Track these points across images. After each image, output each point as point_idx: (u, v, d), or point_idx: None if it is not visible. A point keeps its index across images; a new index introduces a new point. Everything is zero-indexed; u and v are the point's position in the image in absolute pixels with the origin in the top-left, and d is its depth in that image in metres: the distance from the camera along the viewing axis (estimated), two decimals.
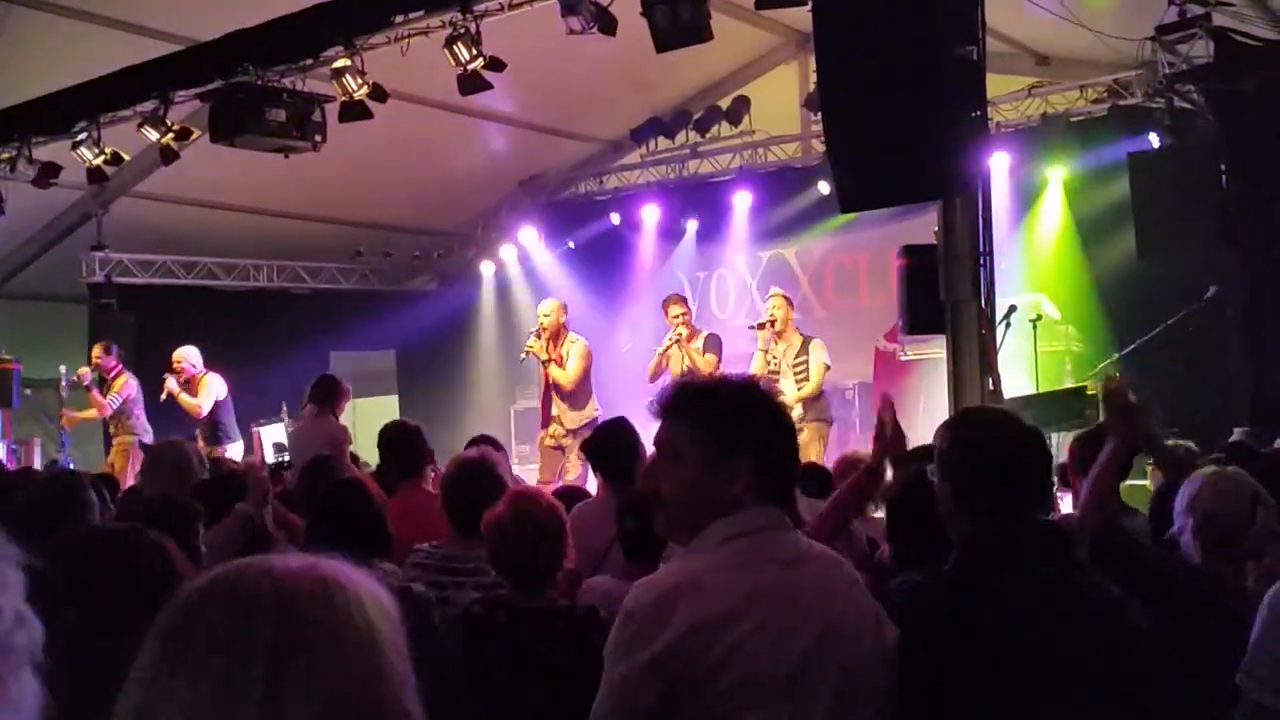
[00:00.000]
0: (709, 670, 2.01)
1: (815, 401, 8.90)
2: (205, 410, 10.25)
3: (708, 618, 2.03)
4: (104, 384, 10.63)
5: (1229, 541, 3.13)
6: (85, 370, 10.58)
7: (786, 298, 9.37)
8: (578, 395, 9.21)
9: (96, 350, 10.75)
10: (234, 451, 10.18)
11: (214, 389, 10.34)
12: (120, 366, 10.72)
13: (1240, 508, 3.14)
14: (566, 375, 9.13)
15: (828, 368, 9.04)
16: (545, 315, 9.24)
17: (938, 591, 2.10)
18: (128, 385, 10.64)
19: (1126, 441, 3.23)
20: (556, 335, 9.19)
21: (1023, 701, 2.21)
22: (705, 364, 9.17)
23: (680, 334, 9.34)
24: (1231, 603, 3.04)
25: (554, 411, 9.32)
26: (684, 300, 9.86)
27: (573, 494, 5.25)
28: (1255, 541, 3.14)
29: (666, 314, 9.58)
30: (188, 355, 10.46)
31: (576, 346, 9.20)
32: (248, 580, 1.15)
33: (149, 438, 10.47)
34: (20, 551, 1.09)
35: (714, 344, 9.46)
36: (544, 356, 9.16)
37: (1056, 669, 2.27)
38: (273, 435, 11.17)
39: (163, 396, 10.41)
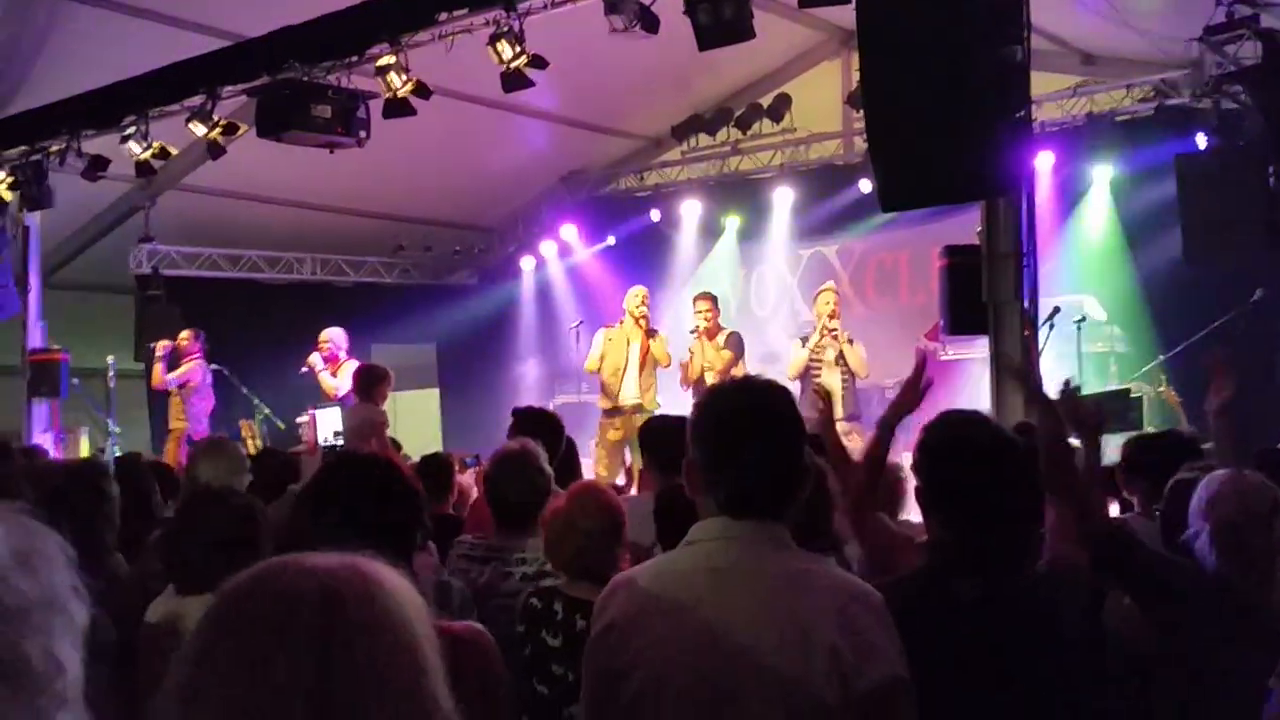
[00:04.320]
0: (624, 667, 2.08)
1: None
2: (342, 393, 10.22)
3: (621, 617, 2.12)
4: (177, 364, 11.04)
5: (1248, 547, 3.00)
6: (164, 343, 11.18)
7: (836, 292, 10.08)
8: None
9: (184, 333, 11.19)
10: None
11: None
12: (197, 354, 11.07)
13: (1261, 513, 3.02)
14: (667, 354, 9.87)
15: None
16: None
17: (886, 591, 2.15)
18: (192, 372, 10.93)
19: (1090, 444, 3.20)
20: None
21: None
22: (720, 359, 9.64)
23: (699, 326, 9.83)
24: (1246, 609, 2.95)
25: (629, 399, 9.59)
26: (709, 298, 10.25)
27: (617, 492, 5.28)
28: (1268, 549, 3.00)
29: (694, 309, 10.13)
30: (334, 337, 10.58)
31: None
32: (292, 574, 1.17)
33: (202, 427, 10.67)
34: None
35: (734, 342, 9.94)
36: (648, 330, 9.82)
37: (959, 683, 2.34)
38: (328, 418, 11.24)
39: (302, 369, 10.59)
